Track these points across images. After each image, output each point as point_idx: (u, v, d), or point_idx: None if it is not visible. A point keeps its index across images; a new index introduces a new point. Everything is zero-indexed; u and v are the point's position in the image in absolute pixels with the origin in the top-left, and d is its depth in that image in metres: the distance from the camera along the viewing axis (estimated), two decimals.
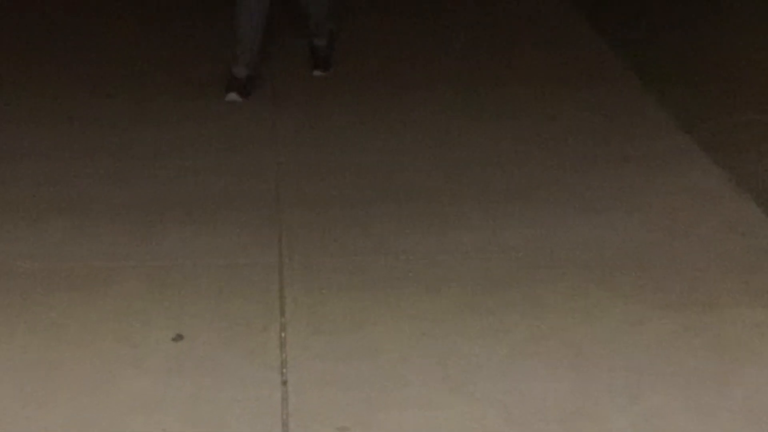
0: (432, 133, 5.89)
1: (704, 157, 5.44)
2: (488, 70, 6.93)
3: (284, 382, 3.62)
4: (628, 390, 3.56)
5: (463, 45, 7.42)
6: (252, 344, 3.85)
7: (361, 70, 6.83)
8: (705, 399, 3.51)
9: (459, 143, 5.74)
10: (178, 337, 3.88)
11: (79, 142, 5.78)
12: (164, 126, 5.99)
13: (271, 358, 3.77)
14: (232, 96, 6.15)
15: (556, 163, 5.46)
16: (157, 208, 4.95)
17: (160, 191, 5.16)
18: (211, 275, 4.35)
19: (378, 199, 5.08)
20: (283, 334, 3.90)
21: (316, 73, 6.59)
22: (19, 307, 4.09)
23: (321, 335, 3.90)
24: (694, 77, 6.68)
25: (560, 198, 5.06)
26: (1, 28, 7.83)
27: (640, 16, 8.03)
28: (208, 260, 4.48)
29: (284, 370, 3.69)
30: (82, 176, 5.32)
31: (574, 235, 4.68)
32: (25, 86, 6.64)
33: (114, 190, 5.16)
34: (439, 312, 4.06)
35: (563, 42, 7.55)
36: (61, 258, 4.50)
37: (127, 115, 6.19)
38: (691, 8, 8.21)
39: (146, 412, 3.46)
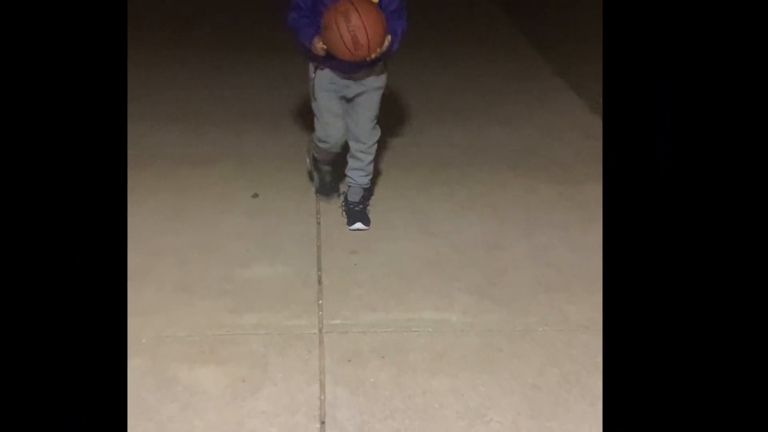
0: (413, 78, 5.63)
1: (572, 93, 5.30)
2: (451, 40, 6.65)
3: (318, 223, 3.56)
4: (526, 232, 3.53)
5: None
6: (298, 199, 3.80)
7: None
8: (573, 239, 3.49)
9: (426, 82, 5.52)
10: (255, 195, 3.80)
11: (196, 80, 5.52)
12: (248, 74, 5.62)
13: (310, 208, 3.71)
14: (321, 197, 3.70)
15: (484, 95, 5.28)
16: (243, 119, 4.77)
17: (244, 109, 4.95)
18: (275, 159, 4.23)
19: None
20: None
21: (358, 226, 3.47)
22: (163, 175, 4.01)
23: None
24: (566, 43, 6.43)
25: (486, 115, 4.91)
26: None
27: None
28: (273, 151, 4.35)
29: (318, 216, 3.64)
30: (197, 99, 5.10)
31: (494, 137, 4.57)
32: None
33: (216, 107, 4.97)
34: (411, 182, 3.98)
35: (490, 30, 7.27)
36: (186, 147, 4.38)
37: (231, 72, 5.91)
38: None
39: (236, 239, 3.43)
